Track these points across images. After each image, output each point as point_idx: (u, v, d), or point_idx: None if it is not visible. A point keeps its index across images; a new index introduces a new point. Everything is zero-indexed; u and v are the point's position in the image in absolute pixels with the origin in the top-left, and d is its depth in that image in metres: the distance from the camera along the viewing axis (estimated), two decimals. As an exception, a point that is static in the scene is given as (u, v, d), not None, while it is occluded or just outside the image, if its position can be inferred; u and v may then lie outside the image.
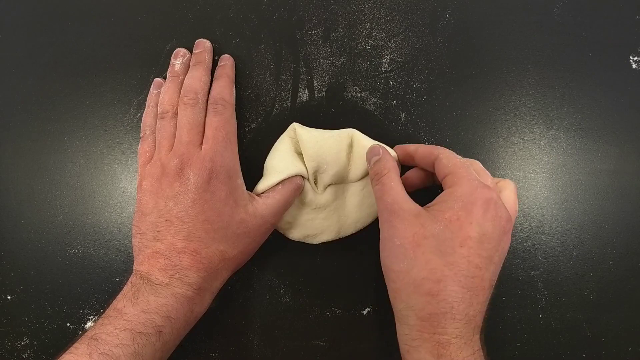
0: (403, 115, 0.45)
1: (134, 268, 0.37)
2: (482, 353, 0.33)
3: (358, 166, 0.41)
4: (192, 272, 0.35)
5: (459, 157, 0.37)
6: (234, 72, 0.45)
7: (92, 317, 0.44)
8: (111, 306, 0.35)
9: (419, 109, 0.45)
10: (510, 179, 0.44)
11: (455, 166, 0.35)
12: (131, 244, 0.44)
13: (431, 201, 0.36)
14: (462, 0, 0.46)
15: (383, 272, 0.35)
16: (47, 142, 0.46)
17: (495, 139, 0.45)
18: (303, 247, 0.43)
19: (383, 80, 0.45)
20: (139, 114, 0.46)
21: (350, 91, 0.45)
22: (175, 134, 0.39)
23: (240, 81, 0.46)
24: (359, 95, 0.45)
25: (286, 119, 0.45)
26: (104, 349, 0.32)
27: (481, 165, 0.38)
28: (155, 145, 0.40)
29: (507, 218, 0.34)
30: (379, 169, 0.37)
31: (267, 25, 0.46)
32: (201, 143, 0.38)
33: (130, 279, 0.37)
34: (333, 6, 0.46)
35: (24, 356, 0.44)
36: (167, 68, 0.46)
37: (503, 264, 0.43)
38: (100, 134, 0.46)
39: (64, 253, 0.45)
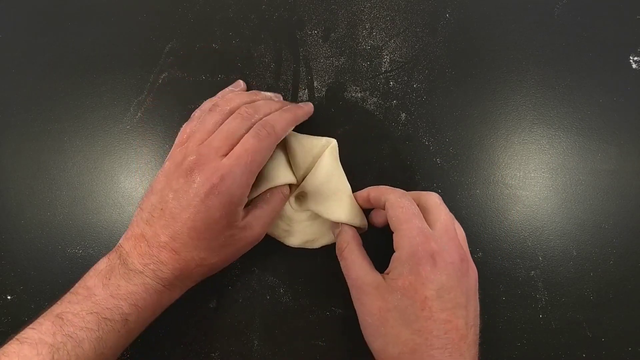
0: (403, 115, 0.45)
1: (119, 242, 0.37)
2: None
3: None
4: (167, 269, 0.35)
5: (405, 199, 0.36)
6: (305, 118, 0.42)
7: (92, 317, 0.44)
8: (81, 282, 0.35)
9: (419, 109, 0.45)
10: (510, 178, 0.44)
11: (398, 221, 0.35)
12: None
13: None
14: (462, 0, 0.46)
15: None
16: (47, 142, 0.46)
17: (495, 139, 0.45)
18: (303, 248, 0.43)
19: (383, 80, 0.45)
20: (139, 114, 0.46)
21: (350, 91, 0.45)
22: (211, 132, 0.37)
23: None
24: (359, 95, 0.45)
25: (286, 119, 0.45)
26: (68, 331, 0.32)
27: (435, 198, 0.37)
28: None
29: (460, 256, 0.34)
30: (340, 243, 0.39)
31: (267, 25, 0.46)
32: (226, 153, 0.36)
33: (109, 255, 0.37)
34: (333, 6, 0.46)
35: (24, 356, 0.44)
36: (167, 68, 0.46)
37: (503, 264, 0.43)
38: (100, 134, 0.46)
39: (64, 253, 0.45)
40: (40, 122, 0.46)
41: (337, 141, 0.42)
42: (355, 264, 0.36)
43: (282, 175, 0.40)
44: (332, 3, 0.46)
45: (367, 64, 0.46)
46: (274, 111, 0.39)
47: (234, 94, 0.41)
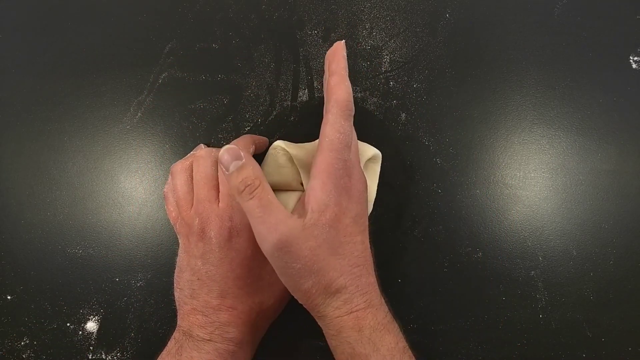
0: (403, 115, 0.45)
1: (177, 322, 0.37)
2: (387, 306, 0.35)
3: None
4: (232, 327, 0.35)
5: (349, 124, 0.33)
6: (263, 144, 0.42)
7: (92, 317, 0.44)
8: None
9: (419, 109, 0.45)
10: (510, 178, 0.44)
11: (329, 143, 0.32)
12: (132, 245, 0.44)
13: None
14: (462, 0, 0.46)
15: (289, 289, 0.34)
16: (47, 142, 0.46)
17: (495, 139, 0.45)
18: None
19: (383, 80, 0.45)
20: (139, 114, 0.46)
21: (350, 91, 0.45)
22: (189, 192, 0.38)
23: (240, 81, 0.46)
24: (359, 95, 0.45)
25: (286, 119, 0.45)
26: None
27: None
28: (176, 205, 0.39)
29: (365, 184, 0.35)
30: (249, 179, 0.32)
31: (267, 25, 0.46)
32: (217, 198, 0.37)
33: (173, 335, 0.37)
34: (333, 6, 0.46)
35: (24, 356, 0.44)
36: (167, 68, 0.46)
37: (503, 264, 0.43)
38: (100, 134, 0.46)
39: (64, 253, 0.45)
40: (40, 122, 0.46)
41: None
42: (273, 205, 0.32)
43: (290, 198, 0.40)
44: (332, 3, 0.46)
45: (367, 64, 0.46)
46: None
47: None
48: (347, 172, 0.33)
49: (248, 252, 0.35)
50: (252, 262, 0.36)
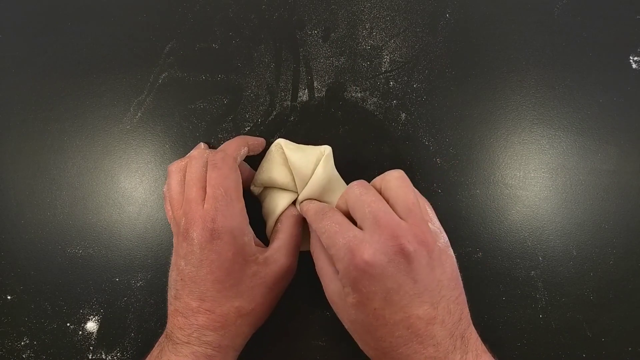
0: (403, 115, 0.45)
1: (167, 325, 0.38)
2: None
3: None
4: (209, 331, 0.35)
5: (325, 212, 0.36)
6: (257, 146, 0.42)
7: (92, 317, 0.44)
8: None
9: (419, 109, 0.45)
10: (510, 178, 0.44)
11: (326, 240, 0.34)
12: (132, 245, 0.45)
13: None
14: (462, 0, 0.46)
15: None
16: (47, 142, 0.46)
17: (495, 139, 0.45)
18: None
19: (383, 80, 0.45)
20: (139, 114, 0.46)
21: (350, 91, 0.45)
22: (181, 192, 0.38)
23: (240, 81, 0.46)
24: (359, 95, 0.45)
25: (286, 119, 0.45)
26: None
27: (393, 179, 0.35)
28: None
29: (398, 246, 0.31)
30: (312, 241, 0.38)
31: (267, 25, 0.47)
32: (204, 199, 0.37)
33: (160, 339, 0.37)
34: (333, 6, 0.46)
35: (24, 356, 0.44)
36: (167, 68, 0.47)
37: (503, 264, 0.43)
38: (100, 134, 0.46)
39: (64, 253, 0.45)
40: (40, 122, 0.46)
41: (337, 141, 0.42)
42: (322, 269, 0.35)
43: (281, 201, 0.40)
44: (332, 3, 0.46)
45: (367, 64, 0.46)
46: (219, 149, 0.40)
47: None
48: (352, 253, 0.32)
49: (228, 255, 0.35)
50: (232, 266, 0.35)
